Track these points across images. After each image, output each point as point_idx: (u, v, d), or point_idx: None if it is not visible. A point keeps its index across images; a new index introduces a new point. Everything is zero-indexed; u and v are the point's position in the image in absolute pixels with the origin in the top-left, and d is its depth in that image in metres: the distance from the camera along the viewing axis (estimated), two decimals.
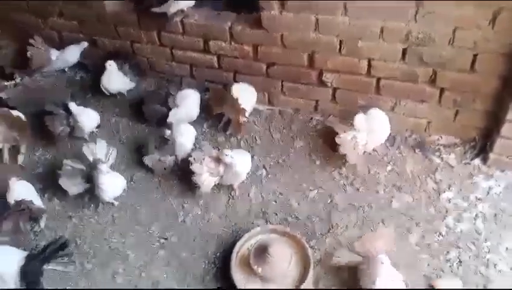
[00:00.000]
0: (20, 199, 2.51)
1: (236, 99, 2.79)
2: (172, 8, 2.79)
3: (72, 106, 2.92)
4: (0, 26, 3.62)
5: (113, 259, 2.45)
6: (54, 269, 2.39)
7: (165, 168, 2.77)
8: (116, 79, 3.17)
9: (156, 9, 2.81)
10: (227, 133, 2.92)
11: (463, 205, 2.39)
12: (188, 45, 3.00)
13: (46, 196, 2.75)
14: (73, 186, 2.64)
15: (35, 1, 3.28)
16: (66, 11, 3.26)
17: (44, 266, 2.32)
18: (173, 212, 2.61)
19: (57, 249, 2.36)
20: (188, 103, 2.94)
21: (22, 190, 2.58)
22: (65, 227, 2.61)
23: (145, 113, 3.04)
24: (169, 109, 2.93)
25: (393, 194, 2.49)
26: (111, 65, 3.13)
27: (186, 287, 2.31)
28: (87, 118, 2.98)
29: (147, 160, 2.77)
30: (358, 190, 2.54)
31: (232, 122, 2.89)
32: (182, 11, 2.85)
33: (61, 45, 3.42)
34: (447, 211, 2.38)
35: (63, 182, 2.63)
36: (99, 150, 2.69)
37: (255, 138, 2.89)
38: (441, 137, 2.66)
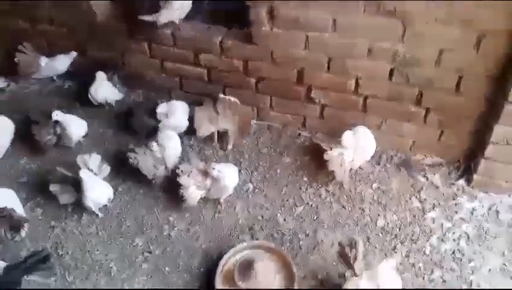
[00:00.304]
0: (2, 207, 2.46)
1: (235, 102, 2.80)
2: (162, 18, 2.78)
3: (59, 114, 2.89)
4: None
5: (95, 272, 2.40)
6: (33, 280, 2.34)
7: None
8: (104, 89, 3.15)
9: (145, 17, 2.77)
10: (227, 146, 2.91)
11: (447, 225, 2.41)
12: (178, 58, 3.00)
13: (29, 205, 2.70)
14: (63, 194, 2.61)
15: (25, 3, 3.24)
16: (56, 18, 3.24)
17: (24, 277, 2.27)
18: (158, 225, 2.58)
19: (38, 261, 2.31)
20: (177, 114, 2.93)
21: (4, 198, 2.52)
22: (47, 237, 2.56)
23: (135, 125, 3.02)
24: (158, 121, 2.92)
25: (378, 212, 2.50)
26: (100, 75, 3.12)
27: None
28: (75, 126, 2.95)
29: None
30: (344, 207, 2.55)
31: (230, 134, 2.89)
32: (173, 22, 2.86)
33: (50, 52, 3.40)
34: (431, 231, 2.40)
35: (54, 189, 2.61)
36: (93, 163, 2.68)
37: (243, 152, 2.89)
38: (426, 157, 2.69)
